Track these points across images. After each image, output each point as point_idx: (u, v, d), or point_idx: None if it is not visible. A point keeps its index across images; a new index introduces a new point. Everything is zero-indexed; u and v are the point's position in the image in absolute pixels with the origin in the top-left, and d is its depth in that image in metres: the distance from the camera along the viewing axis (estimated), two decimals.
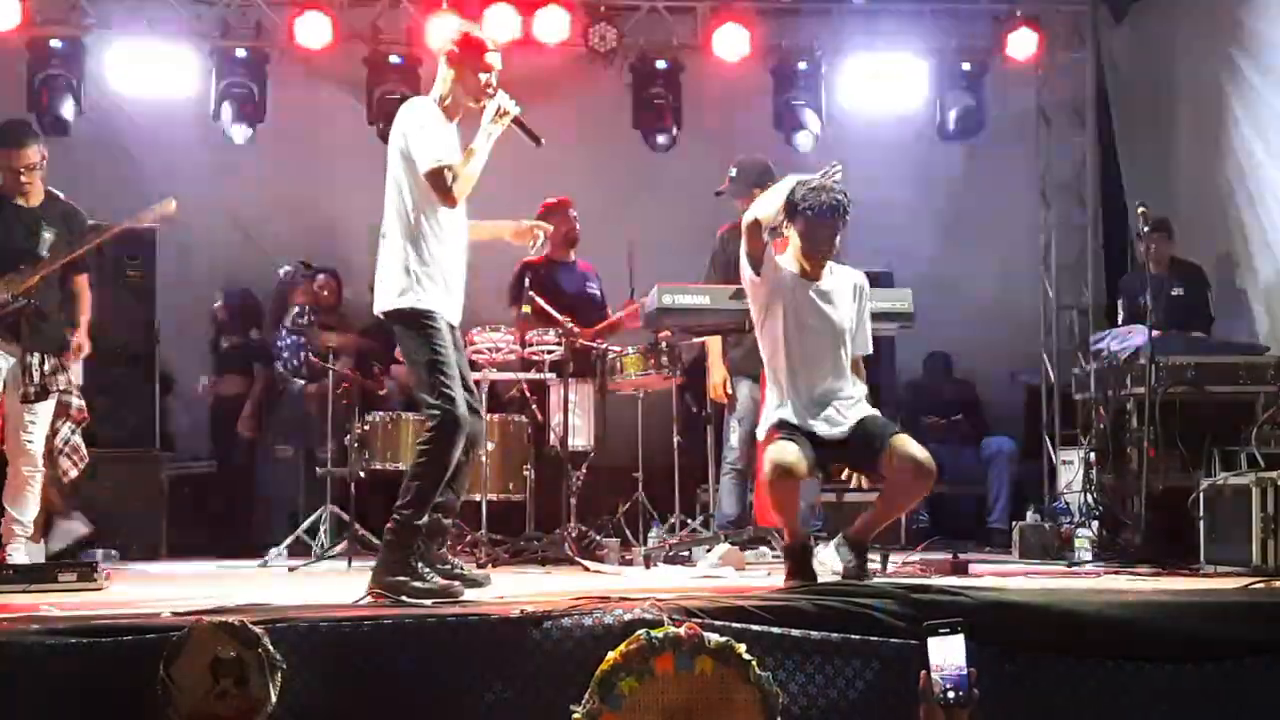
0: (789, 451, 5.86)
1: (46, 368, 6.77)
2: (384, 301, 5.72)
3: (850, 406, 6.12)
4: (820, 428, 6.05)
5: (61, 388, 6.84)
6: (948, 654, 3.70)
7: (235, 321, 10.31)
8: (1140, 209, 8.27)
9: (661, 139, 10.81)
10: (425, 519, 5.57)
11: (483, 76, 5.79)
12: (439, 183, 5.59)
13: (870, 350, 6.37)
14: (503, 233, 6.39)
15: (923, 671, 3.73)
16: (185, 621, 4.32)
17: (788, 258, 6.23)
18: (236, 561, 8.71)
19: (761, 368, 7.12)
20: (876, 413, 6.21)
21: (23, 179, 6.81)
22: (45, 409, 6.82)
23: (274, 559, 8.40)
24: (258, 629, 4.17)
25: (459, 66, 5.80)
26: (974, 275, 10.97)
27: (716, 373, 8.13)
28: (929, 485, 6.03)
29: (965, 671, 3.68)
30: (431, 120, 5.71)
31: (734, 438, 8.04)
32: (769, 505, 6.19)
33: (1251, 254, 9.35)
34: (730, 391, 8.05)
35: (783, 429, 6.04)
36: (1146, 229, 8.25)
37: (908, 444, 5.97)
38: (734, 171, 7.98)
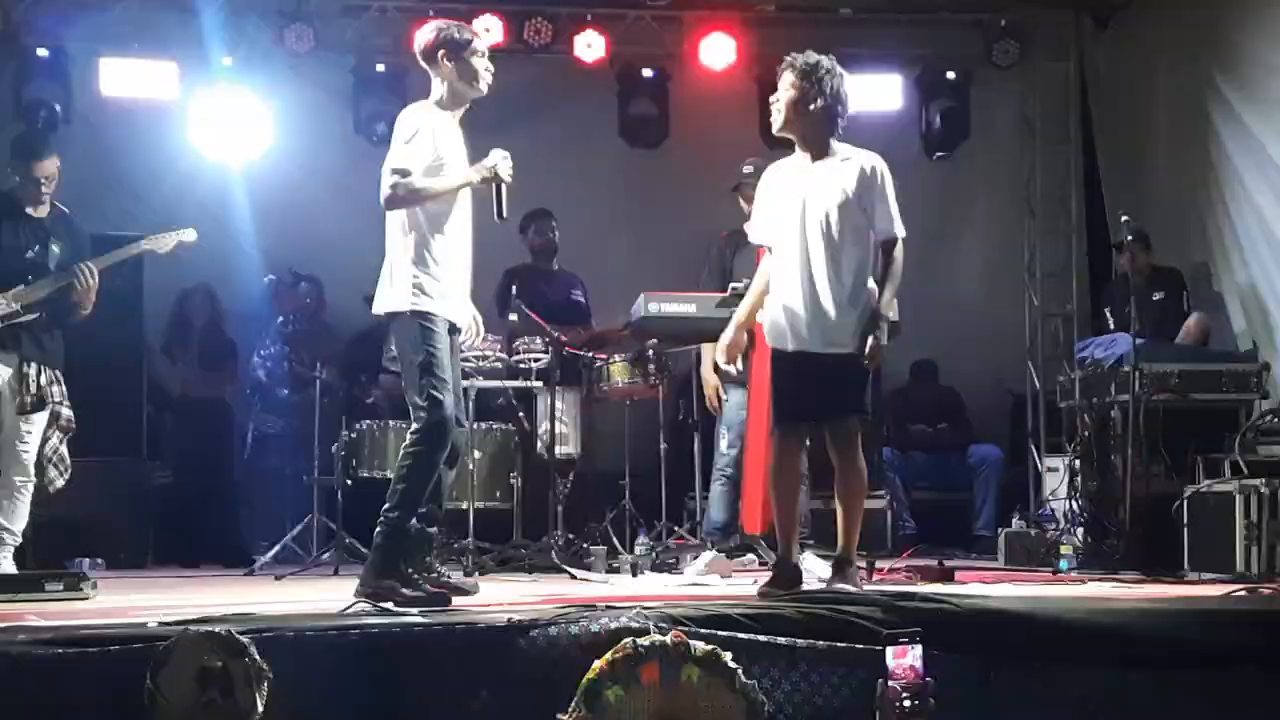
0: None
1: (43, 379, 6.83)
2: (385, 303, 5.76)
3: (847, 320, 5.88)
4: (813, 341, 5.87)
5: (56, 399, 6.90)
6: (905, 664, 3.72)
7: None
8: (1123, 218, 8.32)
9: (648, 148, 10.83)
10: (413, 523, 5.59)
11: (476, 62, 5.81)
12: (387, 184, 5.63)
13: (894, 233, 6.02)
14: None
15: (880, 680, 3.76)
16: (172, 631, 4.32)
17: (792, 158, 6.14)
18: (224, 570, 8.72)
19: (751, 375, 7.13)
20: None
21: (42, 189, 6.93)
22: (40, 419, 6.87)
23: (261, 568, 8.39)
24: (244, 638, 4.18)
25: (454, 60, 5.81)
26: (959, 283, 11.01)
27: (710, 380, 8.15)
28: (848, 479, 5.95)
29: (923, 681, 3.71)
30: (418, 128, 5.72)
31: (724, 444, 8.06)
32: (773, 491, 6.19)
33: (1229, 262, 9.42)
34: (723, 398, 8.06)
35: (783, 372, 5.98)
36: (1128, 239, 8.29)
37: (840, 429, 5.91)
38: (750, 168, 7.95)
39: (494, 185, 5.83)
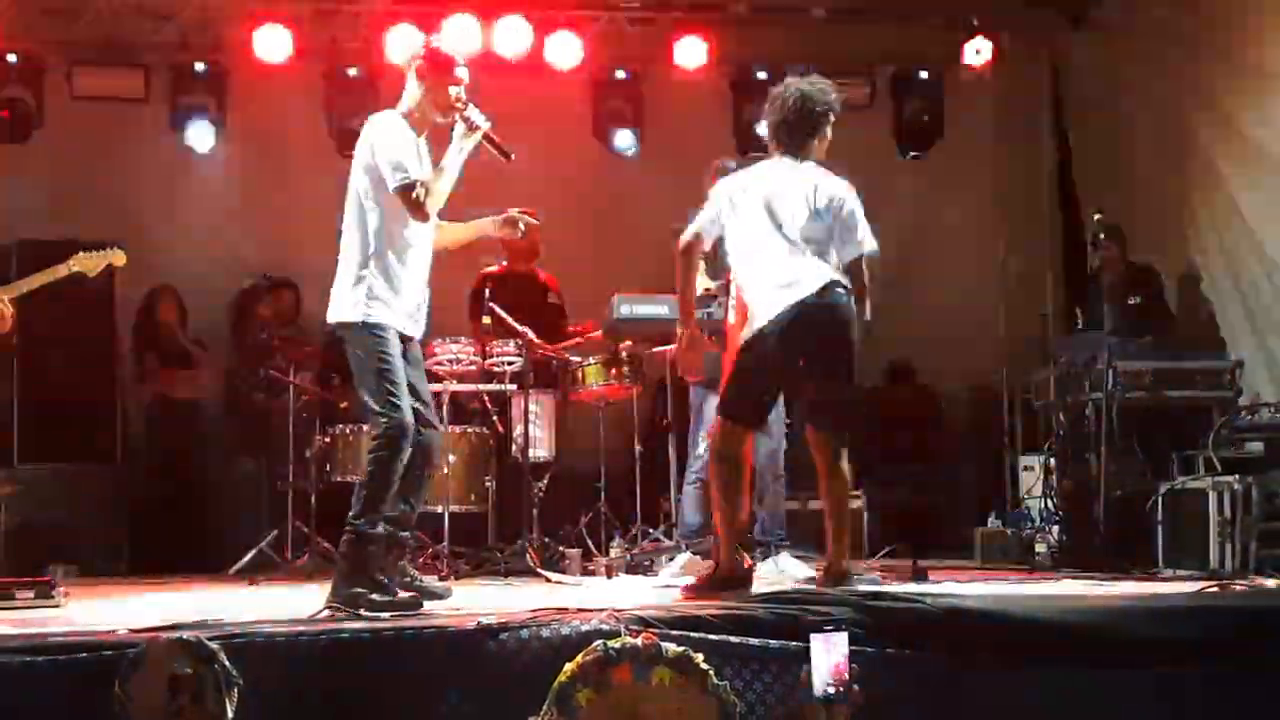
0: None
1: None
2: (336, 313, 5.76)
3: None
4: None
5: None
6: (830, 652, 3.75)
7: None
8: (1096, 215, 8.32)
9: (621, 149, 10.81)
10: (379, 528, 5.59)
11: (452, 90, 5.81)
12: (410, 199, 5.61)
13: (862, 250, 6.16)
14: (486, 229, 6.43)
15: (804, 668, 3.78)
16: (141, 638, 4.31)
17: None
18: (199, 576, 8.69)
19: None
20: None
21: None
22: None
23: (236, 573, 8.37)
24: (214, 645, 4.17)
25: (428, 80, 5.82)
26: (933, 283, 11.00)
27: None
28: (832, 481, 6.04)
29: (846, 669, 3.73)
30: (399, 135, 5.73)
31: (701, 447, 8.05)
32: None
33: (1208, 260, 9.42)
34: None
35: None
36: (1102, 236, 8.29)
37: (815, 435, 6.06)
38: (732, 164, 7.99)
39: (482, 139, 5.82)
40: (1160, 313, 9.07)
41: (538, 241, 9.14)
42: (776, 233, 6.02)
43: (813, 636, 3.82)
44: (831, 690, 3.80)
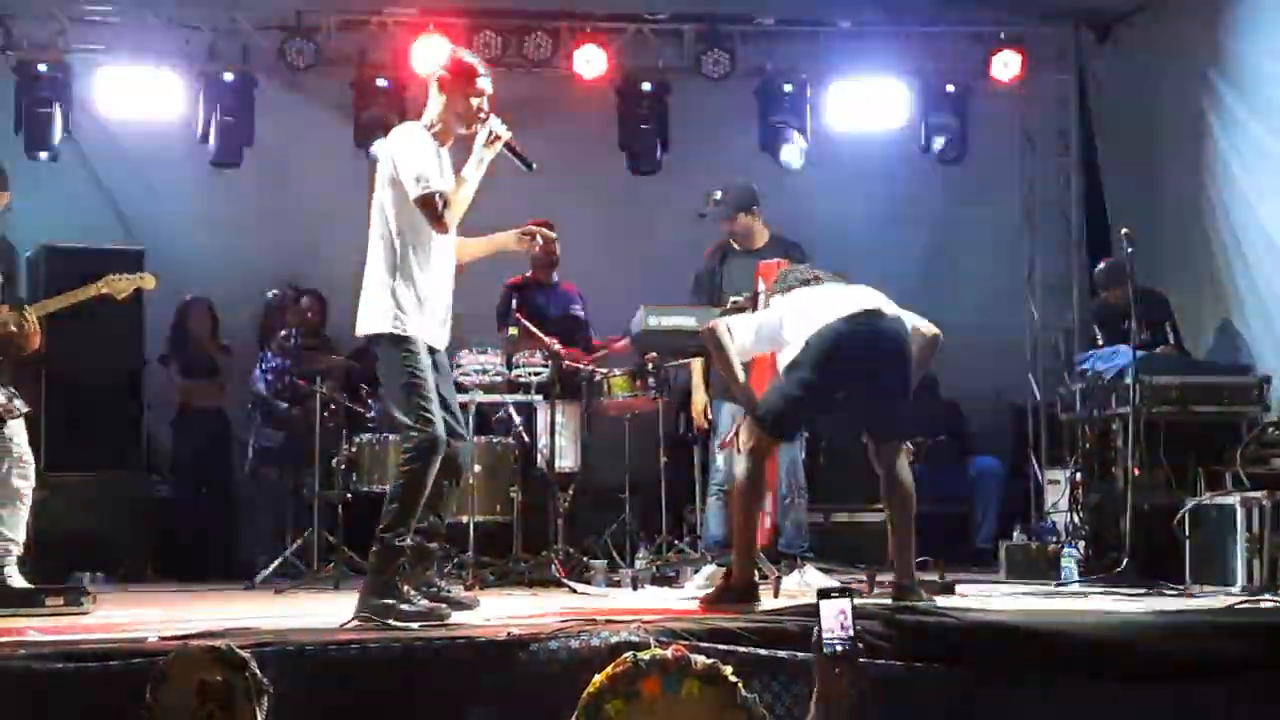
0: None
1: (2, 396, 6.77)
2: (365, 325, 5.77)
3: None
4: None
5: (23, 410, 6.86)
6: (835, 615, 3.88)
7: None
8: (1123, 231, 8.28)
9: (647, 160, 10.81)
10: (408, 540, 5.59)
11: (474, 101, 5.83)
12: (430, 210, 5.63)
13: None
14: (505, 243, 6.44)
15: (815, 627, 3.90)
16: (171, 645, 4.32)
17: None
18: (224, 584, 8.71)
19: None
20: None
21: None
22: (17, 425, 6.79)
23: (261, 581, 8.39)
24: (244, 653, 4.17)
25: (449, 91, 5.84)
26: (959, 296, 10.94)
27: (698, 398, 8.14)
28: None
29: (850, 629, 3.86)
30: (421, 146, 5.74)
31: (720, 459, 8.05)
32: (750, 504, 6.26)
33: (1234, 274, 9.36)
34: (710, 417, 8.05)
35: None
36: (1129, 250, 8.21)
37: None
38: (719, 194, 8.01)
39: (504, 149, 5.84)
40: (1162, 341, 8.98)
41: (554, 253, 9.14)
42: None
43: (822, 602, 3.90)
44: (838, 647, 3.88)
